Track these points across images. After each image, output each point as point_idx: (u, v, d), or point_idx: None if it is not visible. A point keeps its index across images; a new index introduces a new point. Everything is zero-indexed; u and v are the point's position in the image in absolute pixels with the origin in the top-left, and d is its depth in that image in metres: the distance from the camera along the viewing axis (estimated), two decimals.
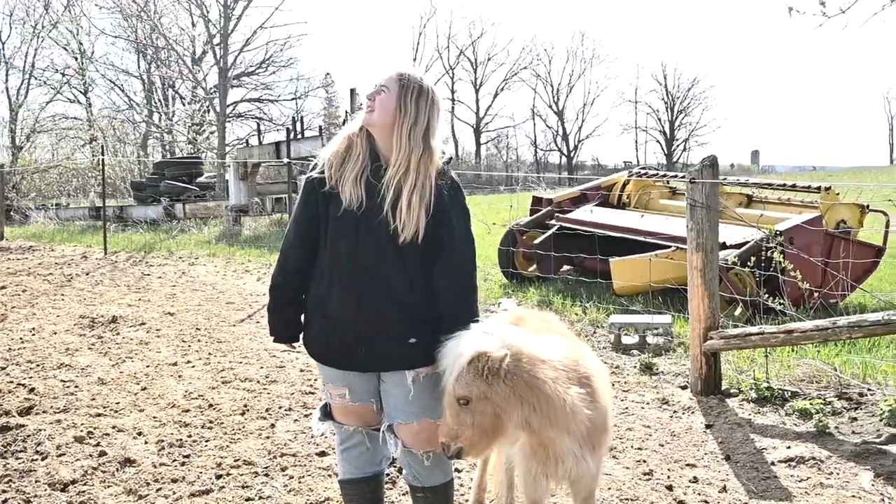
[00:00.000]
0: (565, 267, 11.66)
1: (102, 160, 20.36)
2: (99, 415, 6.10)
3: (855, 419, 5.63)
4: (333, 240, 3.26)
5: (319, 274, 3.33)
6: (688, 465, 5.03)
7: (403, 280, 3.25)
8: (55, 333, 9.06)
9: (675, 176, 12.41)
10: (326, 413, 3.57)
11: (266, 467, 5.05)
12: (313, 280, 3.36)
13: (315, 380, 6.80)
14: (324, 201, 3.27)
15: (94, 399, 6.49)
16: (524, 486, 3.45)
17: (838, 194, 9.93)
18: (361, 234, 3.22)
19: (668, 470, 4.94)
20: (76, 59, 42.17)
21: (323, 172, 3.31)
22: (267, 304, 3.51)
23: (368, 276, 3.23)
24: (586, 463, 3.31)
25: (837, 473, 4.82)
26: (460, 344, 3.05)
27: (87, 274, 14.11)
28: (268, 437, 5.60)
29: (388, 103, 3.22)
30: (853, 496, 4.50)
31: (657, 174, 12.43)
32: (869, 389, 6.07)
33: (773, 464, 4.99)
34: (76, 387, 6.83)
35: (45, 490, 4.69)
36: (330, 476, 4.87)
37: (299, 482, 4.81)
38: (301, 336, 3.50)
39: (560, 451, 3.21)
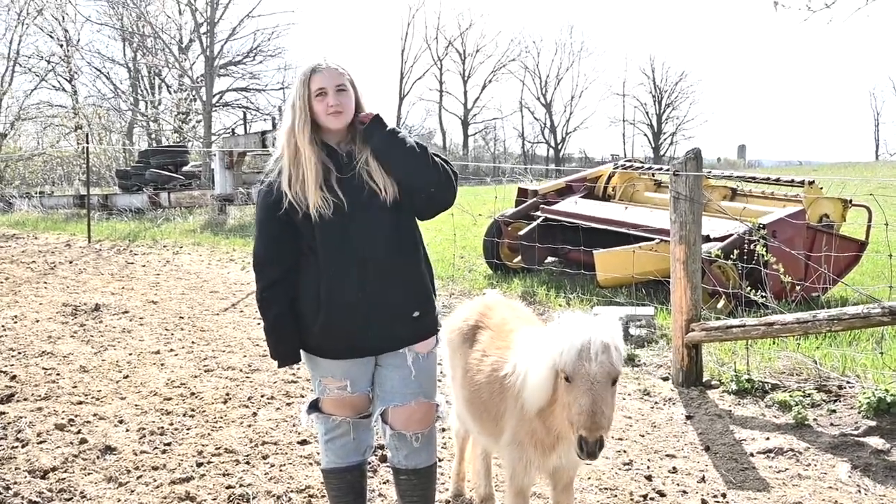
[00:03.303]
0: (550, 258, 11.67)
1: (87, 148, 20.26)
2: (80, 402, 6.09)
3: (834, 411, 5.68)
4: (324, 239, 3.25)
5: (313, 274, 3.31)
6: (668, 455, 5.06)
7: (400, 256, 3.34)
8: (37, 321, 9.02)
9: (660, 169, 12.44)
10: (314, 406, 3.59)
11: (247, 455, 5.05)
12: (306, 282, 3.35)
13: (298, 369, 6.80)
14: (293, 210, 3.25)
15: (75, 387, 6.47)
16: (515, 474, 3.46)
17: (822, 188, 9.98)
18: (351, 225, 3.25)
19: (648, 460, 4.97)
20: (61, 46, 41.78)
21: (279, 184, 3.28)
22: (263, 326, 3.46)
23: (369, 262, 3.28)
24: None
25: (815, 465, 4.86)
26: (595, 328, 3.00)
27: (71, 262, 14.05)
28: (249, 426, 5.60)
29: (350, 102, 3.29)
30: (830, 487, 4.54)
31: (642, 166, 12.46)
32: (848, 382, 6.11)
33: (751, 455, 5.03)
34: (58, 374, 6.80)
35: (25, 477, 4.68)
36: (311, 464, 4.88)
37: (280, 470, 4.82)
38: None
39: (562, 439, 3.26)
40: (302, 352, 3.47)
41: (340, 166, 3.28)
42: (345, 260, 3.26)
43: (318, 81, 3.24)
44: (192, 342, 8.05)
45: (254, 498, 4.43)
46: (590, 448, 2.90)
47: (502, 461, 3.82)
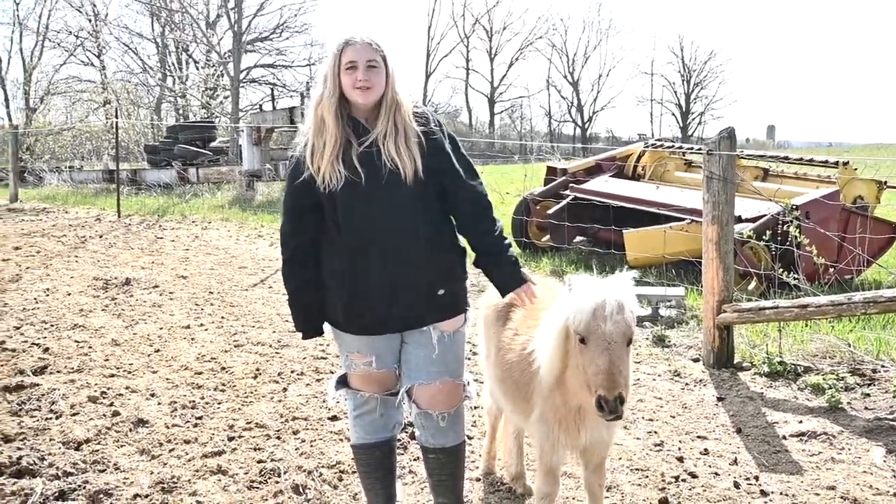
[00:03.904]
0: (579, 238, 11.61)
1: (116, 123, 20.36)
2: (112, 375, 6.14)
3: (868, 395, 5.61)
4: (344, 214, 3.24)
5: (337, 249, 3.31)
6: (699, 437, 5.03)
7: (423, 233, 3.29)
8: (69, 294, 9.10)
9: (691, 148, 12.31)
10: (342, 382, 3.59)
11: (278, 430, 5.08)
12: (329, 258, 3.35)
13: (328, 345, 6.82)
14: (314, 183, 3.24)
15: (107, 360, 6.53)
16: (543, 452, 3.44)
17: (856, 170, 9.84)
18: (371, 202, 3.22)
19: (679, 441, 4.94)
20: (90, 21, 42.05)
21: (304, 157, 3.28)
22: (287, 300, 3.48)
23: (390, 240, 3.25)
24: (606, 431, 3.34)
25: (849, 449, 4.81)
26: (608, 289, 3.00)
27: (101, 236, 14.16)
28: (280, 401, 5.62)
29: (380, 79, 3.23)
30: (864, 472, 4.48)
31: (673, 146, 12.33)
32: (883, 366, 6.04)
33: (784, 438, 4.98)
34: (90, 347, 6.87)
35: (60, 448, 4.73)
36: (341, 440, 4.89)
37: (311, 445, 4.84)
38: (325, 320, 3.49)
39: (589, 416, 3.22)
40: (329, 326, 3.47)
41: (363, 142, 3.24)
42: (366, 237, 3.24)
43: (350, 54, 3.20)
44: (222, 317, 8.10)
45: (285, 472, 4.45)
46: (610, 406, 2.84)
47: (532, 440, 3.81)
